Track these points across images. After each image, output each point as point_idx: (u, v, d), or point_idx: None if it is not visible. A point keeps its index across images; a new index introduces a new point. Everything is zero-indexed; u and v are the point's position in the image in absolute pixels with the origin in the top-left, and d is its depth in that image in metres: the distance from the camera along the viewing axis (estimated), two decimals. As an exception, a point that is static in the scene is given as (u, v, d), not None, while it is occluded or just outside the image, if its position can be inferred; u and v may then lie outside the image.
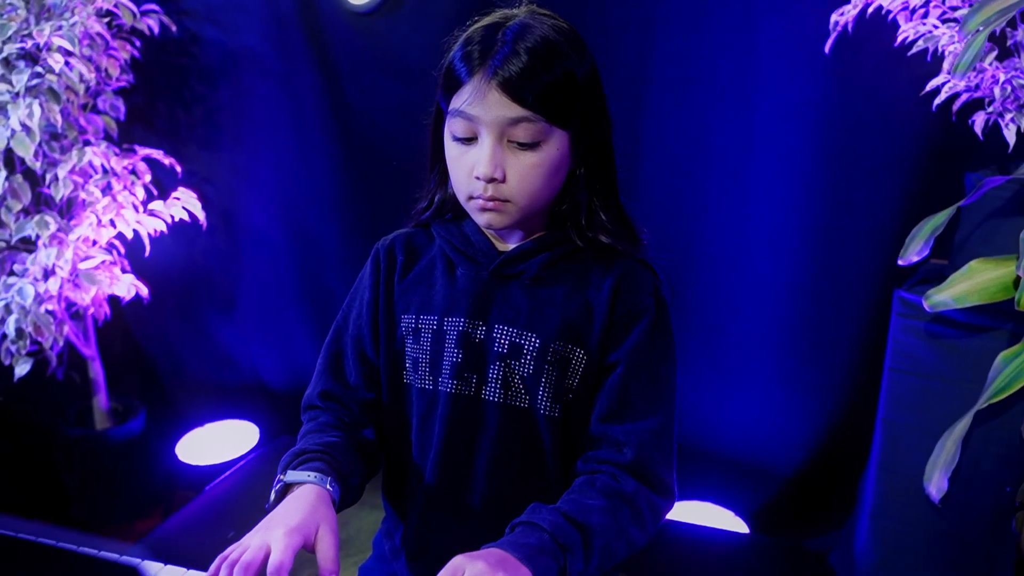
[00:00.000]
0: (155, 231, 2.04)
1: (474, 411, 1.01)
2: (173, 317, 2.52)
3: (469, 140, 0.96)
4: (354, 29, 2.12)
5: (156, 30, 2.08)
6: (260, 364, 2.52)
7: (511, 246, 1.04)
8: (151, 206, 2.06)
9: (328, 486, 0.90)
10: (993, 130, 1.53)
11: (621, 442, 0.98)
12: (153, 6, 2.09)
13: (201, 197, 2.17)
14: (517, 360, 0.99)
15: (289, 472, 0.91)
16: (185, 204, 2.04)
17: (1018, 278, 1.22)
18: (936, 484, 1.47)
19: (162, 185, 2.25)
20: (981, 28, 1.12)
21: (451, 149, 0.98)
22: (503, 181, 0.95)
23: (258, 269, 2.43)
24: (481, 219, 0.99)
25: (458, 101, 0.94)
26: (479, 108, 0.93)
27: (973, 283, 1.33)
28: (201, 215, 2.09)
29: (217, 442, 2.31)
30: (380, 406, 1.07)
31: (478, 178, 0.95)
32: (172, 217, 2.05)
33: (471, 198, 0.97)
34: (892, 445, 1.65)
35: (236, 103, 2.29)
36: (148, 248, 2.06)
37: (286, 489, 0.91)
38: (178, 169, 2.18)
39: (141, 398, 2.44)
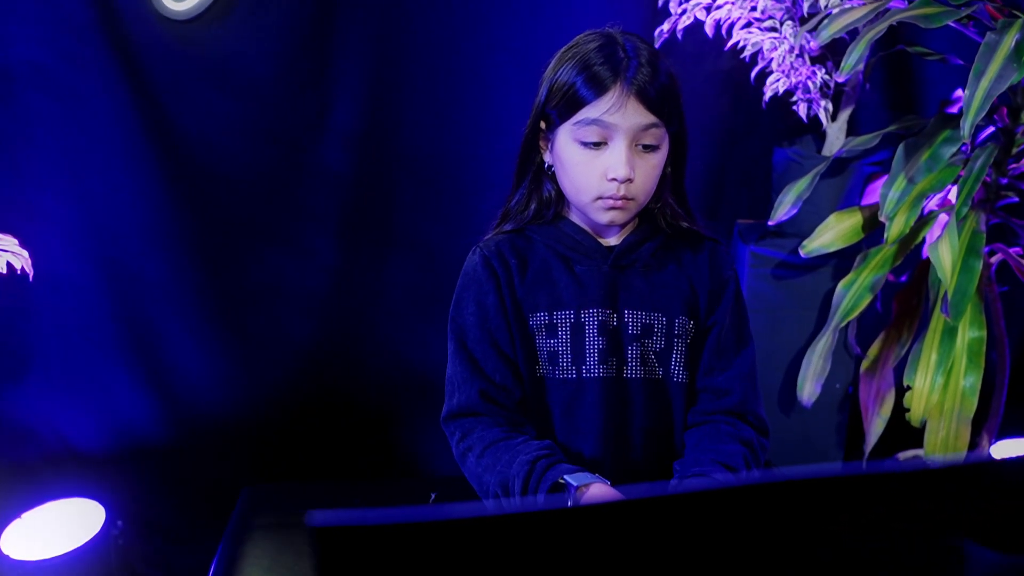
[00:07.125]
0: (-36, 291, 1.66)
1: (621, 390, 1.14)
2: (-66, 396, 2.04)
3: (598, 145, 1.07)
4: (172, 39, 1.92)
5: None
6: (67, 429, 2.15)
7: (611, 240, 1.18)
8: (-43, 261, 1.67)
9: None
10: (785, 109, 1.97)
11: (724, 390, 1.18)
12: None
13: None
14: (649, 339, 1.15)
15: (569, 476, 1.00)
16: (8, 254, 1.69)
17: (879, 223, 1.64)
18: (808, 391, 1.88)
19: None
20: (852, 36, 1.50)
21: (578, 155, 1.08)
22: (633, 181, 1.07)
23: (58, 320, 2.07)
24: (605, 217, 1.11)
25: (593, 112, 1.06)
26: (618, 117, 1.05)
27: (837, 231, 1.74)
28: (22, 264, 1.74)
29: (51, 528, 1.95)
30: (528, 402, 1.14)
31: (614, 179, 1.06)
32: (-10, 271, 1.69)
33: (599, 198, 1.09)
34: (752, 371, 2.05)
35: (12, 127, 1.93)
36: (-38, 312, 1.67)
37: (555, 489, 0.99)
38: (-42, 213, 1.78)
39: (-82, 502, 1.95)
